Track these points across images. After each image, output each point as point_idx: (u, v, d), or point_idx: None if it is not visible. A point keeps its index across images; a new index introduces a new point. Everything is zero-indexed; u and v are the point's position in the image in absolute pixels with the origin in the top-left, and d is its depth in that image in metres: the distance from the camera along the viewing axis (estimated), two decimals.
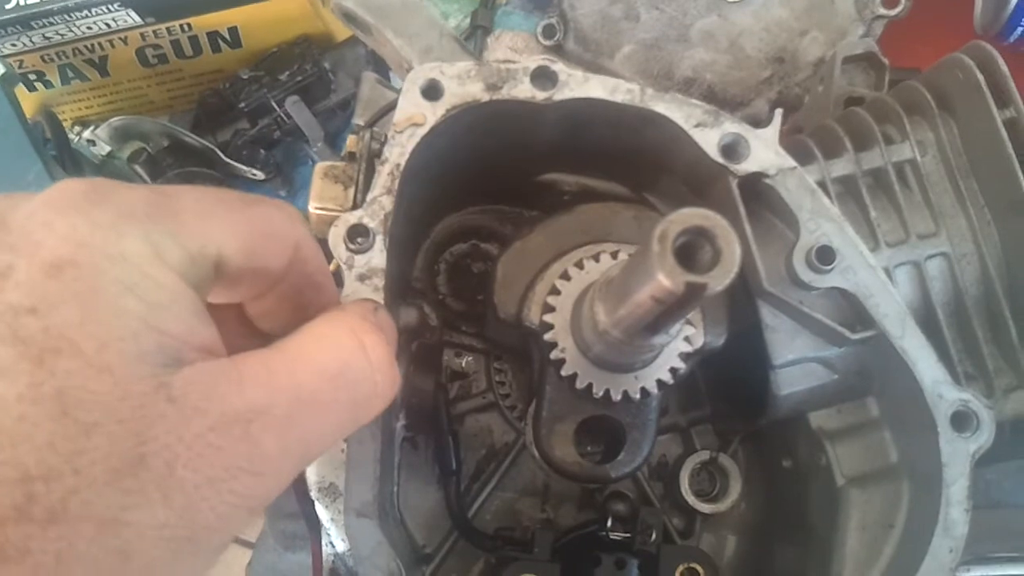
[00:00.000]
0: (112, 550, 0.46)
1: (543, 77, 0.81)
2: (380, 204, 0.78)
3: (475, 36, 1.56)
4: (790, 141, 0.96)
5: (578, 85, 0.81)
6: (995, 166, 0.87)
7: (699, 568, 0.87)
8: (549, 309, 0.81)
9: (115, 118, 1.50)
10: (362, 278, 0.77)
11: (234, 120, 1.48)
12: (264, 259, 0.62)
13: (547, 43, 1.45)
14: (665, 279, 0.56)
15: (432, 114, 0.80)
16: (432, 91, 0.80)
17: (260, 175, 1.48)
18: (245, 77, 1.46)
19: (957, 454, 0.77)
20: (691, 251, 0.58)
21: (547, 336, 0.81)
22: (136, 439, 0.47)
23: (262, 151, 1.48)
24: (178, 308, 0.52)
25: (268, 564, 1.69)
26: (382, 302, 0.76)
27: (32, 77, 1.47)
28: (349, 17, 0.94)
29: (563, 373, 0.80)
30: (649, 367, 0.80)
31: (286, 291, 0.66)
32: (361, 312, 0.62)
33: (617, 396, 0.80)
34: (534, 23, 1.48)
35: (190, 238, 0.55)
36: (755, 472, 1.00)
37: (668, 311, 0.62)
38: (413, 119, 0.80)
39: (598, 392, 0.80)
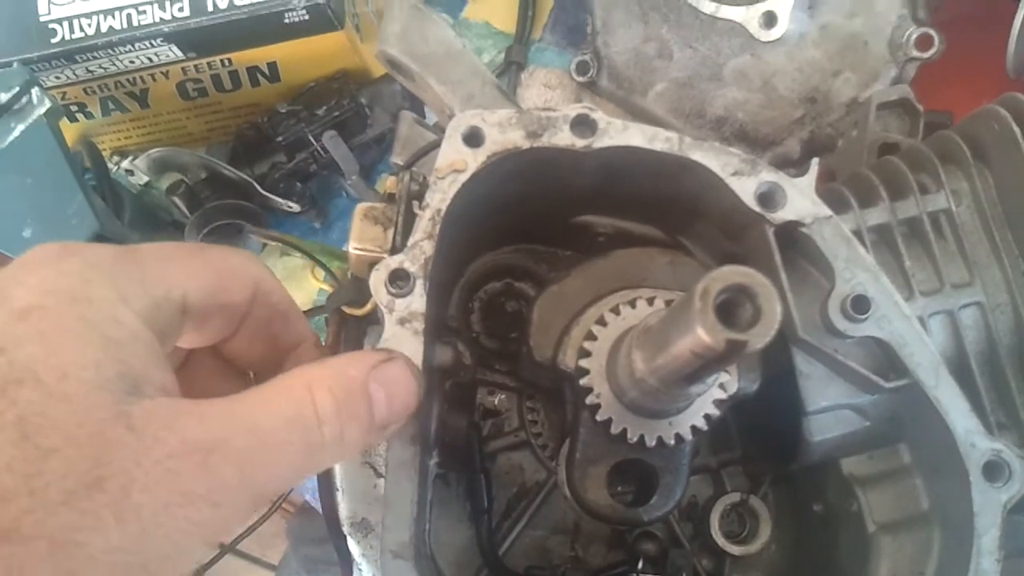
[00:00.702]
0: (64, 571, 0.47)
1: (583, 125, 0.82)
2: (421, 249, 0.80)
3: (509, 72, 1.58)
4: (825, 189, 0.97)
5: (617, 133, 0.83)
6: None
7: None
8: (585, 354, 0.83)
9: (154, 149, 1.52)
10: (402, 322, 0.78)
11: (271, 153, 1.50)
12: (227, 295, 0.67)
13: (580, 79, 1.47)
14: (706, 335, 0.57)
15: (473, 160, 0.81)
16: (474, 138, 0.82)
17: (296, 207, 1.50)
18: (283, 111, 1.48)
19: (989, 504, 0.78)
20: (732, 308, 0.59)
21: (583, 381, 0.82)
22: (93, 463, 0.48)
23: (298, 184, 1.50)
24: (138, 346, 0.55)
25: None
26: (422, 346, 0.78)
27: (74, 108, 1.50)
28: (393, 64, 0.95)
29: (598, 418, 0.81)
30: (684, 413, 0.81)
31: (254, 326, 0.71)
32: (336, 368, 0.63)
33: (652, 442, 0.81)
34: (568, 59, 1.50)
35: (154, 284, 0.59)
36: (785, 515, 1.00)
37: (707, 365, 0.63)
38: (455, 165, 0.82)
39: (632, 438, 0.81)
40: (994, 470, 0.78)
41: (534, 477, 1.01)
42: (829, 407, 0.84)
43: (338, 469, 1.00)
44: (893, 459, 0.87)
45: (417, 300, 0.79)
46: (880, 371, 0.81)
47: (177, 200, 1.48)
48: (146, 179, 1.57)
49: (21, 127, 1.31)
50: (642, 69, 1.43)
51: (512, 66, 1.58)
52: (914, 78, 1.30)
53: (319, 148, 1.46)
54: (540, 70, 1.57)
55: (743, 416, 0.98)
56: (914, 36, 1.26)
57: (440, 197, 0.81)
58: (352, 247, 0.95)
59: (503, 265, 1.05)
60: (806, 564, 0.98)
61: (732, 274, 0.58)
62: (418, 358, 0.77)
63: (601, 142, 0.82)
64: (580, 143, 0.82)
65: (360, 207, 0.95)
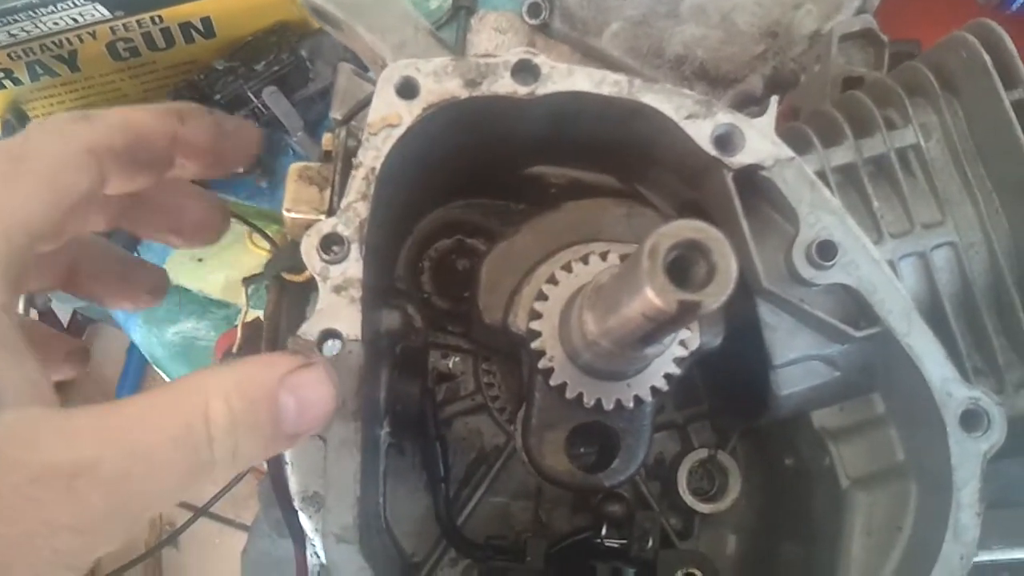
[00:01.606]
0: None
1: (525, 71, 0.76)
2: (355, 210, 0.74)
3: (458, 17, 1.51)
4: (786, 128, 0.92)
5: (562, 78, 0.77)
6: (1003, 150, 0.82)
7: (698, 573, 0.84)
8: (536, 316, 0.78)
9: None
10: (338, 289, 0.73)
11: None
12: (69, 196, 0.61)
13: (532, 22, 1.41)
14: (655, 297, 0.53)
15: (408, 114, 0.75)
16: (407, 89, 0.76)
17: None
18: (220, 68, 1.40)
19: (968, 455, 0.74)
20: (684, 266, 0.54)
21: (535, 344, 0.77)
22: None
23: None
24: None
25: (262, 550, 1.67)
26: (359, 314, 0.72)
27: (0, 75, 1.42)
28: (319, 13, 0.89)
29: (552, 383, 0.77)
30: (643, 373, 0.77)
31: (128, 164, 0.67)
32: (240, 374, 0.58)
33: (609, 405, 0.77)
34: (519, 2, 1.43)
35: None
36: (755, 470, 0.97)
37: (660, 328, 0.58)
38: (388, 120, 0.76)
39: (589, 401, 0.77)
40: (972, 419, 0.74)
41: (492, 442, 0.97)
42: (797, 359, 0.80)
43: None
44: (866, 410, 0.83)
45: (353, 266, 0.74)
46: (849, 319, 0.77)
47: None
48: None
49: None
50: (596, 8, 1.36)
51: (461, 11, 1.51)
52: (878, 7, 1.24)
53: (260, 105, 1.39)
54: (491, 13, 1.49)
55: (709, 370, 0.94)
56: None
57: (373, 155, 0.75)
58: (287, 211, 0.89)
59: (453, 221, 1.00)
60: (779, 520, 0.95)
61: (683, 229, 0.53)
62: (356, 327, 0.73)
63: (545, 88, 0.76)
64: (523, 90, 0.76)
65: (294, 167, 0.89)
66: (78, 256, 0.78)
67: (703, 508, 0.94)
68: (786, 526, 0.93)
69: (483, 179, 0.96)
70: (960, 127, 0.86)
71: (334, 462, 0.72)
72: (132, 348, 2.93)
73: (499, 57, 0.77)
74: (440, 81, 0.76)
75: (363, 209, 0.74)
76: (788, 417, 0.85)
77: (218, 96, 1.40)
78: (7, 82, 1.44)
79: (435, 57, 0.77)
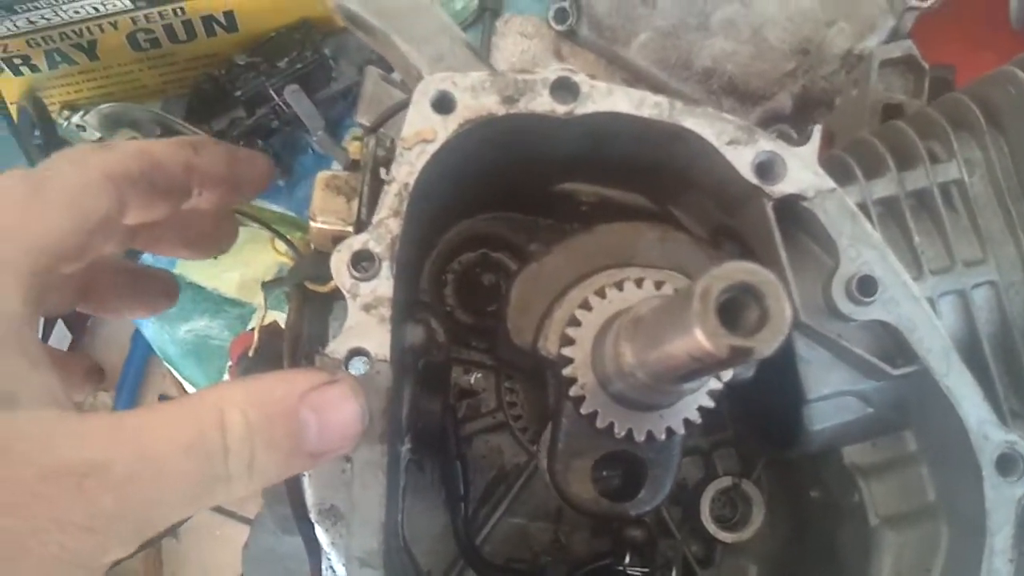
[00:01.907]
0: None
1: (563, 89, 0.75)
2: (387, 227, 0.73)
3: (483, 19, 1.50)
4: (825, 157, 0.90)
5: (602, 98, 0.75)
6: None
7: None
8: (568, 342, 0.76)
9: (105, 104, 1.43)
10: (367, 308, 0.71)
11: (230, 108, 1.41)
12: (90, 219, 0.64)
13: (559, 28, 1.39)
14: (706, 341, 0.51)
15: (443, 129, 0.74)
16: (443, 104, 0.74)
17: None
18: (241, 63, 1.39)
19: (1002, 500, 0.73)
20: (735, 309, 0.52)
21: (566, 371, 0.75)
22: None
23: (259, 141, 1.41)
24: (8, 350, 0.53)
25: (266, 546, 1.65)
26: (389, 335, 0.71)
27: (17, 61, 1.40)
28: (352, 19, 0.87)
29: (583, 411, 0.75)
30: (675, 405, 0.75)
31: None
32: (257, 387, 0.58)
33: (641, 436, 0.75)
34: (546, 6, 1.42)
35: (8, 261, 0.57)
36: (780, 501, 0.95)
37: (705, 369, 0.57)
38: (423, 135, 0.74)
39: (620, 432, 0.75)
40: (1008, 464, 0.73)
41: (513, 460, 0.96)
42: (831, 395, 0.78)
43: None
44: (898, 447, 0.82)
45: (384, 284, 0.72)
46: (886, 356, 0.75)
47: None
48: (98, 135, 1.48)
49: None
50: (625, 17, 1.35)
51: (486, 13, 1.50)
52: (913, 28, 1.23)
53: (281, 103, 1.38)
54: (516, 17, 1.48)
55: (738, 398, 0.92)
56: None
57: (407, 170, 0.73)
58: (313, 220, 0.88)
59: (479, 234, 0.98)
60: (803, 554, 0.93)
61: (736, 271, 0.51)
62: (385, 347, 0.71)
63: (584, 108, 0.75)
64: (561, 109, 0.75)
65: (321, 176, 0.87)
66: (94, 275, 0.80)
67: (725, 537, 0.92)
68: (810, 560, 0.91)
69: (512, 193, 0.94)
70: (1005, 164, 0.84)
71: (359, 485, 0.71)
72: (136, 336, 2.91)
73: (537, 74, 0.75)
74: (477, 97, 0.74)
75: (395, 226, 0.73)
76: (818, 451, 0.84)
77: (238, 92, 1.38)
78: (24, 68, 1.43)
79: (472, 71, 0.75)
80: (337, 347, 0.71)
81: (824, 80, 1.26)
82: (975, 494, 0.73)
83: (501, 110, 0.74)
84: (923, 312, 0.73)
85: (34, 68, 1.43)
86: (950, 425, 0.74)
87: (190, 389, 1.64)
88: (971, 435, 0.73)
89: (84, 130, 1.48)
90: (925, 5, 1.20)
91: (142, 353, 3.04)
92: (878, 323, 0.74)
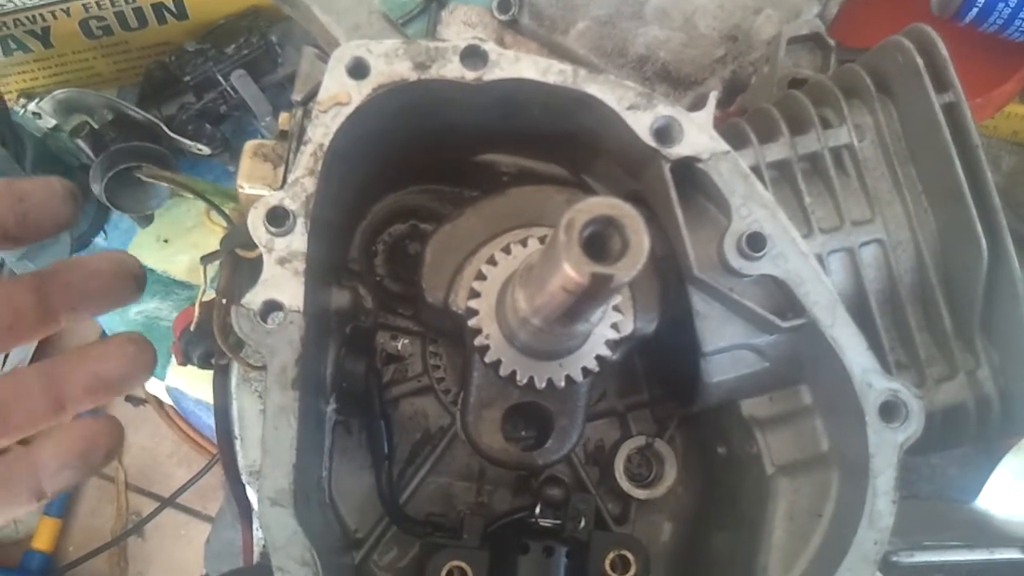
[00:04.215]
0: None
1: (473, 56, 0.79)
2: (302, 185, 0.76)
3: (429, 9, 1.54)
4: (726, 124, 0.95)
5: (509, 65, 0.79)
6: (933, 152, 0.85)
7: (629, 555, 0.86)
8: (475, 295, 0.80)
9: (59, 91, 1.46)
10: (282, 261, 0.75)
11: (180, 94, 1.45)
12: None
13: (502, 17, 1.43)
14: (571, 270, 0.55)
15: (358, 93, 0.78)
16: (358, 69, 0.78)
17: (206, 150, 1.45)
18: (191, 50, 1.42)
19: (885, 444, 0.76)
20: (601, 241, 0.56)
21: (472, 322, 0.79)
22: None
23: (208, 126, 1.44)
24: None
25: (226, 541, 1.68)
26: (303, 287, 0.75)
27: None
28: None
29: (487, 360, 0.79)
30: (575, 354, 0.79)
31: None
32: None
33: (541, 384, 0.79)
34: None
35: None
36: (692, 458, 0.99)
37: (580, 301, 0.61)
38: (337, 98, 0.78)
39: (522, 379, 0.79)
40: (891, 410, 0.76)
41: (437, 423, 0.99)
42: (726, 347, 0.82)
43: (235, 417, 0.97)
44: (793, 400, 0.86)
45: (298, 239, 0.76)
46: (777, 310, 0.79)
47: (81, 143, 1.42)
48: (54, 122, 1.51)
49: None
50: (563, 7, 1.39)
51: (432, 3, 1.53)
52: (837, 17, 1.27)
53: (228, 88, 1.41)
54: (461, 7, 1.51)
55: (648, 358, 0.96)
56: None
57: (322, 131, 0.77)
58: (241, 186, 0.91)
59: (408, 206, 1.02)
60: (711, 507, 0.97)
61: (598, 205, 0.55)
62: (298, 299, 0.75)
63: (492, 74, 0.79)
64: (470, 75, 0.79)
65: (249, 144, 0.91)
66: (57, 298, 0.74)
67: (639, 494, 0.96)
68: (718, 512, 0.95)
69: (438, 165, 0.98)
70: (893, 128, 0.88)
71: (271, 429, 0.74)
72: None
73: (448, 42, 0.79)
74: (391, 63, 0.78)
75: (310, 184, 0.76)
76: (720, 406, 0.88)
77: (187, 78, 1.42)
78: None
79: (387, 40, 0.79)
80: (252, 298, 0.74)
81: (752, 66, 1.30)
82: (860, 439, 0.77)
83: (413, 76, 0.78)
84: (810, 267, 0.77)
85: None
86: (838, 376, 0.78)
87: None
88: (855, 383, 0.77)
89: (40, 117, 1.51)
90: None
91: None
92: (769, 278, 0.78)
